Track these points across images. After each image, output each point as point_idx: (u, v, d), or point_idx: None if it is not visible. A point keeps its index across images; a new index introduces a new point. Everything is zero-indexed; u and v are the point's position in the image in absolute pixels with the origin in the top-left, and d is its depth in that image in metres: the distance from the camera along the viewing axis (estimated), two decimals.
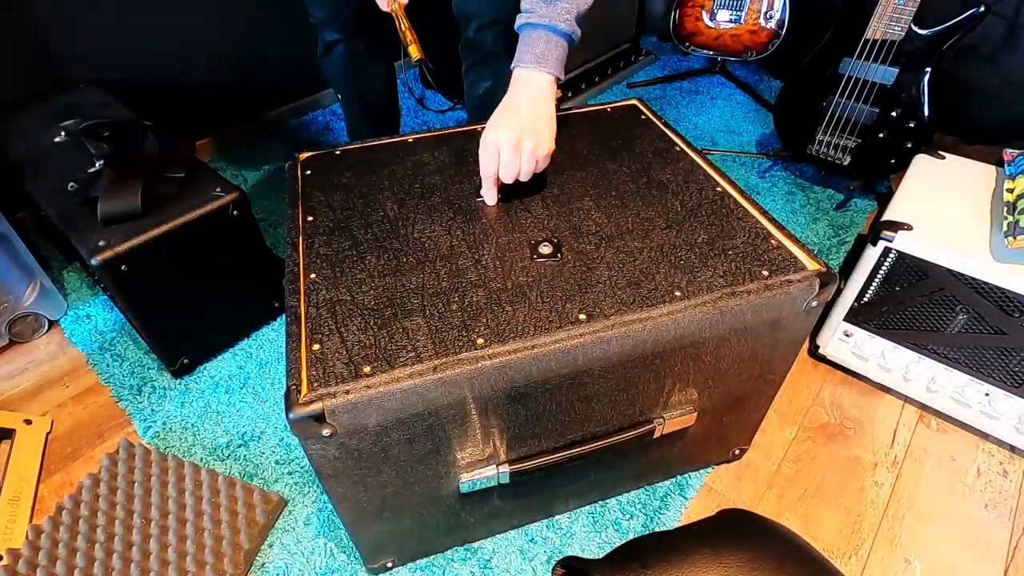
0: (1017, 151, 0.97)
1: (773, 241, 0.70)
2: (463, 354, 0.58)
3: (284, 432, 0.99)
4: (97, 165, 1.01)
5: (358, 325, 0.61)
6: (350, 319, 0.62)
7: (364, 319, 0.62)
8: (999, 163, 1.02)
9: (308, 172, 0.83)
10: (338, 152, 0.88)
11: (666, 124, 0.92)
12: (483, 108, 1.20)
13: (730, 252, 0.69)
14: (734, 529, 0.52)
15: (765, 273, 0.66)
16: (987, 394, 0.92)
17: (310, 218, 0.76)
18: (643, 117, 0.95)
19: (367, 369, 0.56)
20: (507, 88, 0.78)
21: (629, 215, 0.75)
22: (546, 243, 0.70)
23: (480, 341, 0.59)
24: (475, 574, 0.81)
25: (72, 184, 0.99)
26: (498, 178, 0.74)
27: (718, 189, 0.79)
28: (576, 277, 0.66)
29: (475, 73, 1.14)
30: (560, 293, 0.64)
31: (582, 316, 0.61)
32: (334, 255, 0.70)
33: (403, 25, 0.88)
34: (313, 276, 0.67)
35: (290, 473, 0.93)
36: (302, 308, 0.63)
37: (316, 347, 0.59)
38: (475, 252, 0.70)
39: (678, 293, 0.64)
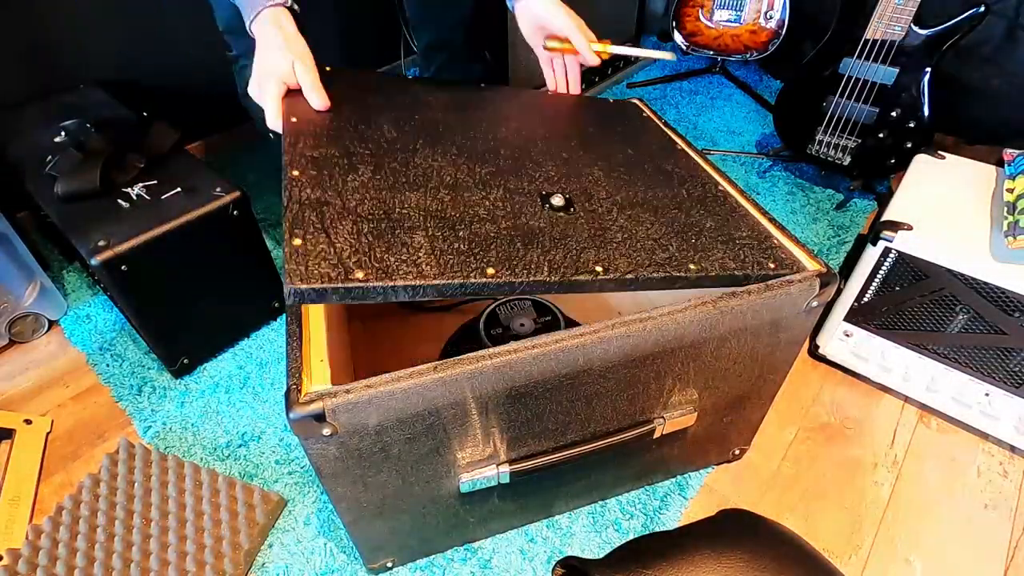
0: (1017, 151, 0.97)
1: (773, 241, 0.70)
2: (464, 354, 0.58)
3: (284, 432, 0.99)
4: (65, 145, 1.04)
5: (349, 230, 0.54)
6: (339, 222, 0.55)
7: (356, 224, 0.55)
8: (999, 163, 1.02)
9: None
10: (328, 69, 0.79)
11: (666, 124, 0.92)
12: None
13: None
14: (734, 529, 0.52)
15: None
16: (987, 394, 0.92)
17: (293, 119, 0.68)
18: (643, 117, 0.95)
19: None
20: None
21: (638, 191, 0.73)
22: (558, 195, 0.66)
23: (491, 271, 0.55)
24: (475, 574, 0.81)
25: (49, 158, 1.02)
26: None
27: (718, 189, 0.79)
28: (590, 233, 0.63)
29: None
30: (574, 244, 0.61)
31: (599, 268, 0.58)
32: (321, 159, 0.61)
33: None
34: (296, 173, 0.59)
35: (290, 473, 0.93)
36: (302, 308, 0.63)
37: (297, 241, 0.52)
38: (483, 189, 0.65)
39: (692, 266, 0.62)
